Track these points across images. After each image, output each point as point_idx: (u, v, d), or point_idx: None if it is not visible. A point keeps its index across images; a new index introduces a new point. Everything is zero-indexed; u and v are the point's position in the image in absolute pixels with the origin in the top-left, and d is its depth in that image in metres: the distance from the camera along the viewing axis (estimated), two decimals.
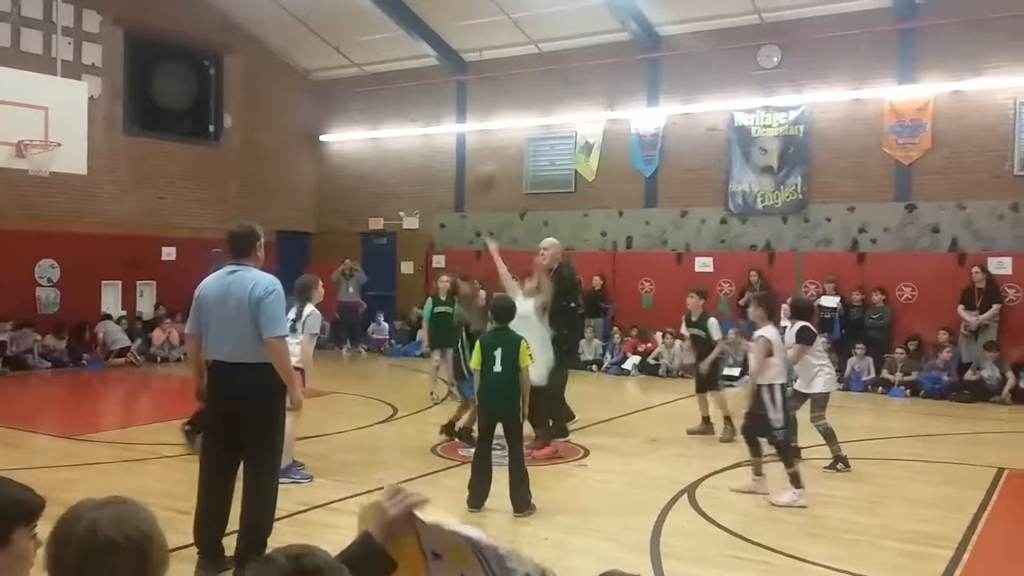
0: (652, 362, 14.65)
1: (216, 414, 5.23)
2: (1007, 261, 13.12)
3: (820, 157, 14.77)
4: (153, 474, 7.51)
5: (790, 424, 7.11)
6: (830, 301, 13.78)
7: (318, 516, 6.30)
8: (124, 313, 16.13)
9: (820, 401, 7.94)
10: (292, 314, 7.24)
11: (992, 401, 12.11)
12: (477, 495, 6.46)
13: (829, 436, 7.90)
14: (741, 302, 14.54)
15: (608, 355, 15.30)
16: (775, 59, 15.06)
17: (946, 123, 13.79)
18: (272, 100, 19.07)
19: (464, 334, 8.80)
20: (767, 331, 6.99)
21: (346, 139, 19.79)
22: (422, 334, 13.68)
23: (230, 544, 5.15)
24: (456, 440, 8.69)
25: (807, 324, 8.02)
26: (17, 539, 1.94)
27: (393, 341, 17.69)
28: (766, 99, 15.09)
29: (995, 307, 12.80)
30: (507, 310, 6.77)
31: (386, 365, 16.11)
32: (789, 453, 6.90)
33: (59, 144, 12.07)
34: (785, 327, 7.87)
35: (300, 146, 19.89)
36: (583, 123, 16.82)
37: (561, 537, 5.92)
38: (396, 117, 18.92)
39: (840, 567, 5.29)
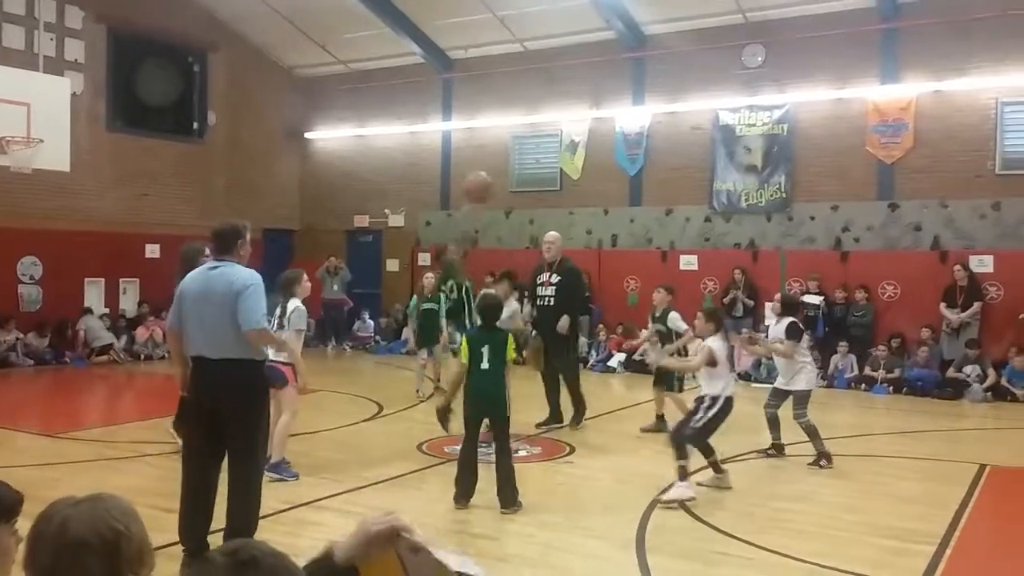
0: (638, 358, 14.65)
1: (198, 410, 5.24)
2: (988, 259, 13.22)
3: (804, 156, 14.85)
4: (137, 472, 7.47)
5: (705, 432, 6.98)
6: (813, 299, 13.85)
7: (303, 514, 6.28)
8: (107, 311, 16.04)
9: (802, 398, 8.00)
10: (277, 311, 7.22)
11: (973, 398, 12.21)
12: (463, 491, 6.46)
13: (812, 433, 7.96)
14: (725, 300, 14.68)
15: (594, 353, 15.33)
16: (759, 58, 15.13)
17: (929, 122, 13.89)
18: (257, 97, 18.98)
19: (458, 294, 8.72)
20: (712, 342, 6.96)
21: (331, 136, 19.73)
22: (408, 332, 13.66)
23: (217, 542, 5.13)
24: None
25: (795, 320, 8.07)
26: (0, 536, 1.94)
27: (378, 339, 17.68)
28: (750, 98, 15.15)
29: (976, 305, 12.91)
30: (493, 308, 6.78)
31: (371, 363, 16.09)
32: (684, 450, 6.77)
33: (41, 141, 11.97)
34: (768, 324, 7.92)
35: (285, 143, 19.82)
36: (568, 121, 16.84)
37: (547, 534, 5.93)
38: (382, 115, 18.88)
39: (824, 563, 5.32)
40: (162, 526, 4.91)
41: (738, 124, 15.29)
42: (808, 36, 14.46)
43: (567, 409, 9.75)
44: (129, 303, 16.61)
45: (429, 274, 11.84)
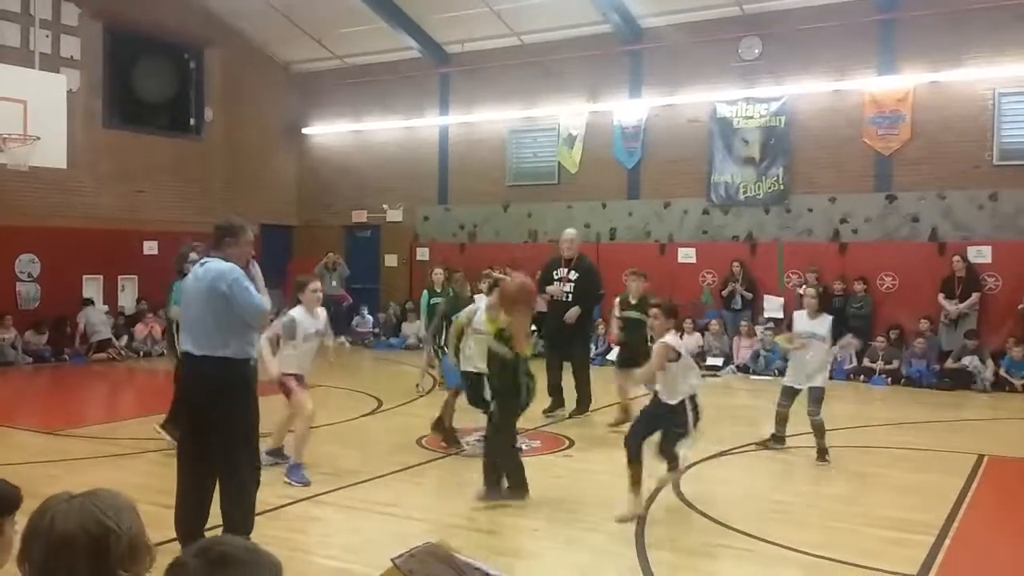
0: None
1: (186, 405, 5.34)
2: (986, 250, 13.23)
3: (801, 148, 14.84)
4: (137, 468, 7.48)
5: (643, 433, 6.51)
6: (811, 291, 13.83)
7: (303, 509, 6.28)
8: (107, 308, 16.04)
9: (820, 395, 7.92)
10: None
11: (972, 389, 12.22)
12: (491, 482, 6.48)
13: (822, 430, 7.84)
14: (724, 293, 14.68)
15: (593, 346, 15.29)
16: (756, 51, 15.11)
17: (926, 114, 13.88)
18: (253, 93, 18.95)
19: (445, 322, 8.76)
20: (669, 338, 6.43)
21: (328, 132, 19.70)
22: (419, 326, 13.77)
23: None
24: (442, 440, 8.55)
25: (834, 317, 8.08)
26: (5, 528, 1.97)
27: (377, 332, 17.69)
28: (747, 91, 15.14)
29: (975, 295, 12.92)
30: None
31: (370, 358, 16.09)
32: (677, 460, 6.53)
33: (38, 138, 11.96)
34: (793, 320, 7.83)
35: (282, 139, 19.79)
36: (565, 115, 16.82)
37: (548, 527, 5.94)
38: (379, 110, 18.85)
39: (823, 554, 5.33)
40: (162, 522, 4.91)
41: (735, 116, 15.28)
42: (805, 28, 14.45)
43: (567, 405, 9.82)
44: (127, 300, 16.61)
45: (438, 269, 11.83)
